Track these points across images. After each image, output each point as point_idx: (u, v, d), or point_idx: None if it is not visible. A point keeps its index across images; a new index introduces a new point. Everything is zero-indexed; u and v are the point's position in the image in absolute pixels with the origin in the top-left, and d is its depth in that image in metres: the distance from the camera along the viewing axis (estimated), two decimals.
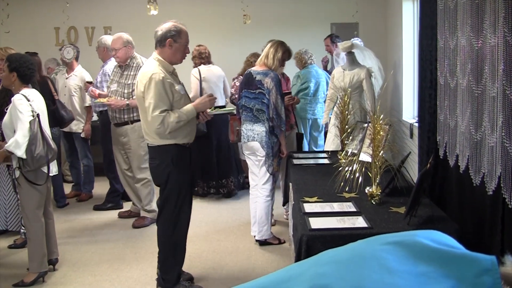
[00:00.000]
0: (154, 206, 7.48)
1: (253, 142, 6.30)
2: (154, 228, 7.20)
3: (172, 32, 5.10)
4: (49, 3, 11.02)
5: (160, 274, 5.40)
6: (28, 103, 5.35)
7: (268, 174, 6.35)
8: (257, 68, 6.42)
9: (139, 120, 6.87)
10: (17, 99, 5.36)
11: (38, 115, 5.38)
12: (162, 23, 5.22)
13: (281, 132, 6.35)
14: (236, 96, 7.32)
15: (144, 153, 7.28)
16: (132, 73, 7.25)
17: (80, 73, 8.71)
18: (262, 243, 6.56)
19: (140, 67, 6.98)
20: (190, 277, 5.65)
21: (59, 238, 6.29)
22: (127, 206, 8.18)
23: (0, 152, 5.47)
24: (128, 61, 7.31)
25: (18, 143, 5.23)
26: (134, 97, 6.95)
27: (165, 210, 5.29)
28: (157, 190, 7.32)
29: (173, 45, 5.12)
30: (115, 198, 8.42)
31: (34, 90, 5.62)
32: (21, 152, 5.24)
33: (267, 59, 6.37)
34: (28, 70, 5.52)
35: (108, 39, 8.10)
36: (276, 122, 6.21)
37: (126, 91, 7.21)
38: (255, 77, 6.29)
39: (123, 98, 7.19)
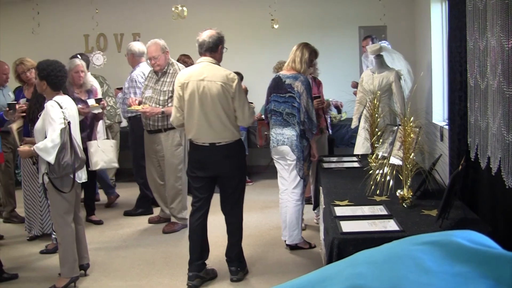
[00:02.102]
0: (184, 214, 7.49)
1: (283, 146, 6.28)
2: (184, 233, 7.26)
3: (222, 39, 5.71)
4: (79, 11, 11.12)
5: (238, 255, 5.91)
6: (60, 110, 5.40)
7: (298, 178, 6.33)
8: (285, 72, 6.41)
9: (172, 128, 6.93)
10: (50, 105, 5.42)
11: (69, 123, 5.43)
12: (202, 32, 5.69)
13: (312, 136, 6.35)
14: None
15: (178, 161, 7.33)
16: (168, 80, 7.22)
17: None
18: (293, 247, 6.54)
19: (177, 74, 7.04)
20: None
21: (90, 244, 6.33)
22: (157, 211, 8.20)
23: (27, 150, 5.53)
24: (166, 67, 7.30)
25: (46, 148, 5.27)
26: (170, 105, 7.01)
27: (240, 200, 5.88)
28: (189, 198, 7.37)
29: (221, 50, 5.74)
30: (145, 204, 8.44)
31: (66, 96, 5.69)
32: (51, 158, 5.29)
33: (294, 63, 6.36)
34: (56, 78, 5.55)
35: (134, 45, 8.17)
36: (308, 125, 6.21)
37: (162, 98, 7.20)
38: (285, 81, 6.29)
39: (158, 105, 7.17)
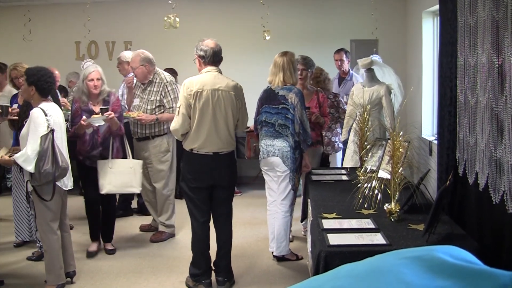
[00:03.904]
0: (172, 220, 7.51)
1: (273, 157, 6.28)
2: (171, 242, 7.26)
3: None
4: (70, 18, 11.10)
5: (227, 265, 5.94)
6: (45, 118, 5.37)
7: (288, 190, 6.33)
8: (276, 84, 6.39)
9: (160, 135, 6.97)
10: (34, 112, 5.39)
11: (52, 131, 5.39)
12: (204, 40, 5.73)
13: (307, 147, 6.36)
14: None
15: (166, 168, 7.34)
16: (155, 89, 7.25)
17: None
18: (280, 259, 6.54)
19: (164, 83, 7.07)
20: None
21: (76, 251, 6.32)
22: (148, 219, 8.18)
23: (7, 160, 5.51)
24: (150, 77, 7.30)
25: (28, 158, 5.24)
26: (159, 112, 7.16)
27: (231, 210, 5.99)
28: (178, 205, 7.35)
29: None
30: (123, 204, 8.52)
31: (53, 103, 5.65)
32: (30, 167, 5.26)
33: (286, 76, 6.35)
34: (46, 84, 5.54)
35: (126, 54, 8.21)
36: (302, 136, 6.21)
37: (149, 107, 7.22)
38: (278, 92, 6.28)
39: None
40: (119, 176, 6.73)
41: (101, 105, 6.65)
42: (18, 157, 5.27)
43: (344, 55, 9.31)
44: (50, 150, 5.33)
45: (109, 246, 7.06)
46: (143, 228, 8.04)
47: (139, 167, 6.93)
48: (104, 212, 6.99)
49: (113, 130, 6.71)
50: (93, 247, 6.95)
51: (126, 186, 6.83)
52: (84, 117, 6.42)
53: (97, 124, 6.53)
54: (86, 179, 6.88)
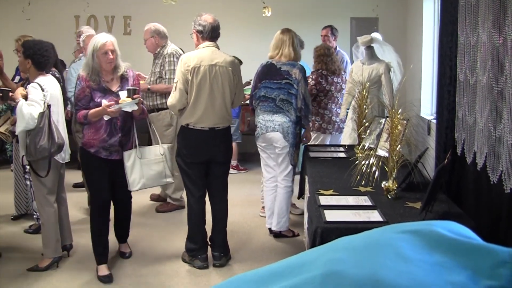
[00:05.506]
0: (179, 194, 7.61)
1: (273, 132, 6.27)
2: (172, 216, 7.34)
3: None
4: None
5: (223, 241, 5.96)
6: (42, 93, 5.36)
7: (290, 165, 6.39)
8: (281, 59, 6.37)
9: (164, 109, 7.02)
10: (31, 87, 5.38)
11: (49, 106, 5.37)
12: (202, 15, 5.67)
13: (308, 123, 6.48)
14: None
15: (168, 141, 7.31)
16: (160, 61, 7.37)
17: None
18: (277, 235, 6.56)
19: (164, 55, 7.30)
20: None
21: (74, 224, 6.32)
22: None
23: (20, 93, 5.43)
24: (159, 49, 7.44)
25: (29, 115, 5.19)
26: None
27: (227, 185, 6.01)
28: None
29: None
30: None
31: (50, 77, 5.62)
32: (20, 128, 5.27)
33: (294, 55, 6.33)
34: (42, 57, 5.50)
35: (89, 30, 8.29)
36: (304, 112, 6.25)
37: (152, 79, 7.37)
38: (280, 68, 6.27)
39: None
40: (153, 166, 5.65)
41: (118, 83, 5.53)
42: (24, 104, 5.25)
43: (330, 32, 9.21)
44: (47, 126, 5.31)
45: (125, 249, 6.11)
46: (152, 198, 8.19)
47: (168, 152, 5.81)
48: (119, 210, 6.02)
49: (136, 115, 5.54)
50: (104, 270, 5.56)
51: (160, 178, 5.74)
52: (104, 101, 5.29)
53: (130, 110, 5.38)
54: (100, 176, 5.57)
